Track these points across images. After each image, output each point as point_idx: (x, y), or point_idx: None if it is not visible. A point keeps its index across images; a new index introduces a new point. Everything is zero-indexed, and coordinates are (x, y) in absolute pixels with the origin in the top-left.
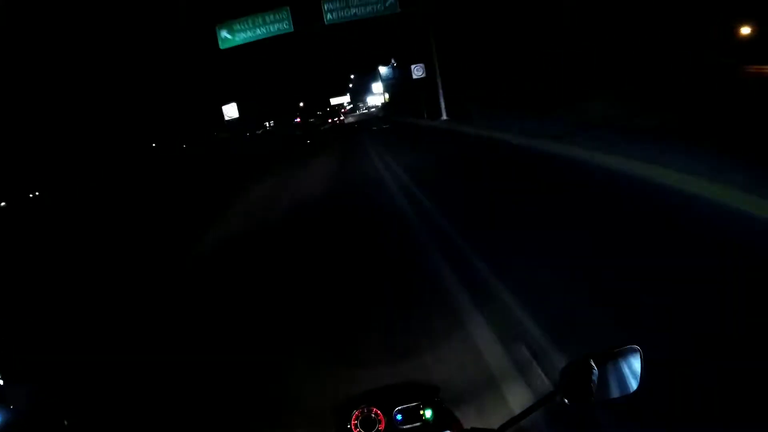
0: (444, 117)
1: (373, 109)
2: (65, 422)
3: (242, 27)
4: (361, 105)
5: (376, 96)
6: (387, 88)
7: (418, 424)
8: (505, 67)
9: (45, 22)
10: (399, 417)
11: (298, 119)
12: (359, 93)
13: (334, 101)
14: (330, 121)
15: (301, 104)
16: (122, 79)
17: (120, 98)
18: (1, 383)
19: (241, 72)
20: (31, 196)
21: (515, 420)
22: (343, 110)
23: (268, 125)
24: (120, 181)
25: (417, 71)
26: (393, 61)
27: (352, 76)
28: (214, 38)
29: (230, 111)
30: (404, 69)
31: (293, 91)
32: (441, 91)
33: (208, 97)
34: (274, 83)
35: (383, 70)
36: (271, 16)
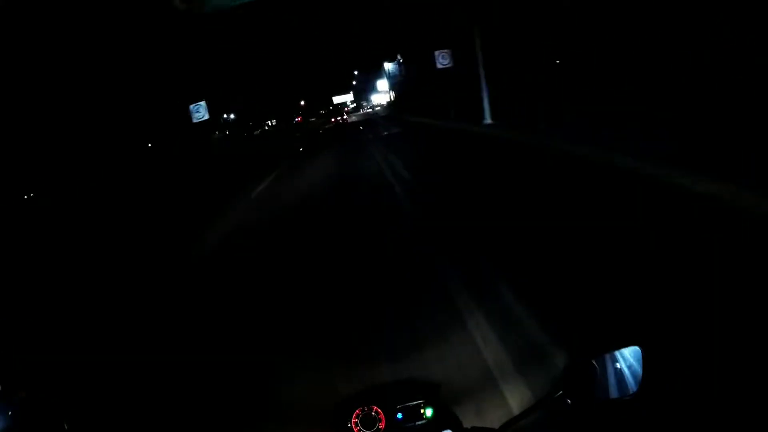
0: (488, 120)
1: (378, 108)
2: (65, 426)
3: None
4: (364, 104)
5: (381, 94)
6: (393, 86)
7: (418, 422)
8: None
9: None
10: (399, 415)
11: (299, 118)
12: (363, 91)
13: (336, 100)
14: (333, 120)
15: (303, 103)
16: (109, 77)
17: (108, 96)
18: (0, 388)
19: (241, 70)
20: (26, 197)
21: (516, 419)
22: (346, 109)
23: (270, 123)
24: (114, 183)
25: (442, 60)
26: (399, 57)
27: (355, 72)
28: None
29: (198, 112)
30: (411, 65)
31: (295, 89)
32: (485, 85)
33: (204, 95)
34: (275, 81)
35: (388, 66)
36: None
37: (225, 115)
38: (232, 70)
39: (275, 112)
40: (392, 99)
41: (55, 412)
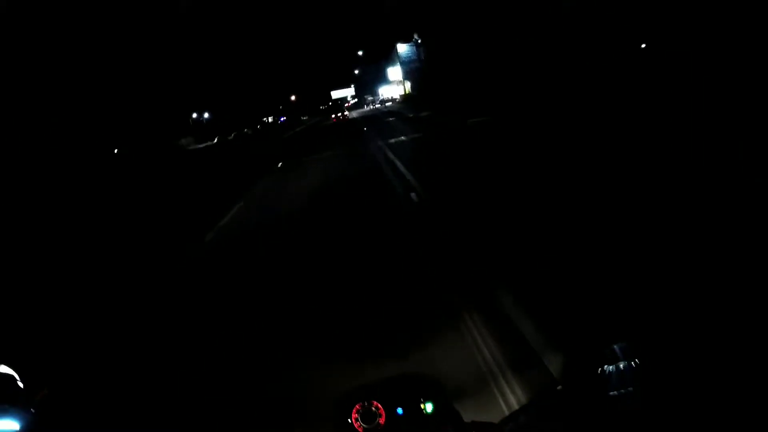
0: None
1: (389, 104)
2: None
3: None
4: (369, 98)
5: (393, 86)
6: (407, 75)
7: (418, 417)
8: None
9: None
10: (400, 411)
11: (284, 118)
12: (368, 84)
13: (335, 94)
14: (333, 117)
15: (293, 98)
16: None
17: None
18: (22, 386)
19: (219, 57)
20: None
21: (516, 414)
22: (346, 104)
23: (267, 120)
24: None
25: None
26: (416, 36)
27: (359, 53)
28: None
29: None
30: (434, 45)
31: (288, 81)
32: None
33: (172, 95)
34: (264, 72)
35: (402, 48)
36: None
37: (195, 115)
38: (208, 56)
39: (264, 109)
40: (408, 92)
41: (73, 411)
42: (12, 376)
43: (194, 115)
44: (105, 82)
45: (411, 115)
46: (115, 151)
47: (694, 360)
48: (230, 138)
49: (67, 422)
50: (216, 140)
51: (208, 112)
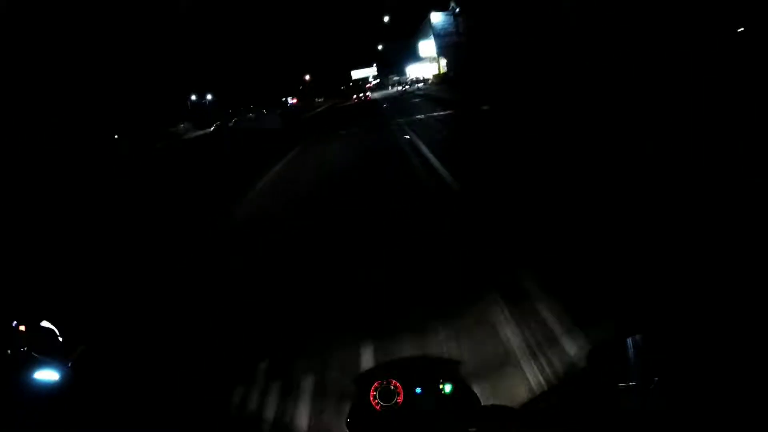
0: None
1: (420, 85)
2: (117, 381)
3: None
4: (394, 78)
5: (425, 63)
6: (441, 50)
7: (436, 398)
8: None
9: None
10: (418, 390)
11: (295, 100)
12: (394, 62)
13: (356, 74)
14: (355, 98)
15: (308, 77)
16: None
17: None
18: (61, 340)
19: (224, 31)
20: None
21: (536, 400)
22: (368, 85)
23: (287, 101)
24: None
25: None
26: (453, 4)
27: (386, 19)
28: None
29: None
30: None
31: (304, 61)
32: None
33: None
34: (276, 51)
35: (437, 18)
36: None
37: (194, 97)
38: (212, 30)
39: (280, 90)
40: (443, 71)
41: (109, 368)
42: (53, 331)
43: (193, 97)
44: (93, 58)
45: (486, 108)
46: (116, 136)
47: (701, 359)
48: (230, 125)
49: (99, 377)
50: (213, 128)
51: (211, 94)
